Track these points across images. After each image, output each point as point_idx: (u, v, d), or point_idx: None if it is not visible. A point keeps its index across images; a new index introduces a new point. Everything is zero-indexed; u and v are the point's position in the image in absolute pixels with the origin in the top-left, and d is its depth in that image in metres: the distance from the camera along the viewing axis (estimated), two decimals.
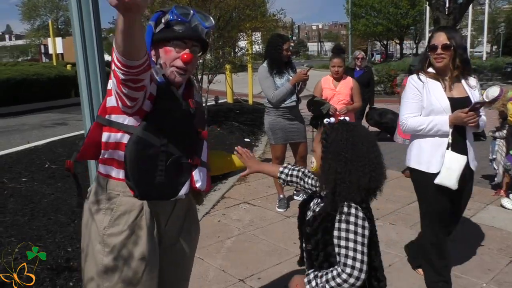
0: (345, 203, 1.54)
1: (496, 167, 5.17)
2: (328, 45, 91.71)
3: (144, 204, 1.76)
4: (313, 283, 1.59)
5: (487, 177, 5.67)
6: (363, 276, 1.51)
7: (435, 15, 13.73)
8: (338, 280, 1.50)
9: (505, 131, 5.02)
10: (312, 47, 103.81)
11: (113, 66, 1.53)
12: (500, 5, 48.44)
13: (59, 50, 25.20)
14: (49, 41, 25.98)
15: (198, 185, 1.86)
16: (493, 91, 3.43)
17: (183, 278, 2.10)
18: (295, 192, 5.14)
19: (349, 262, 1.50)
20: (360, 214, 1.54)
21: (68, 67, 18.05)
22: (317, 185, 1.76)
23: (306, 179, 1.91)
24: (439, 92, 2.76)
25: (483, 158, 5.14)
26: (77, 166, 1.82)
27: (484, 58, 31.83)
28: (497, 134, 5.16)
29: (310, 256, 1.67)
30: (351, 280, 1.49)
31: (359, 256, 1.50)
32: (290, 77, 4.60)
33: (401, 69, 19.14)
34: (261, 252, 3.75)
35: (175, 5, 1.73)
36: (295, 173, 1.95)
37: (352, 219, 1.52)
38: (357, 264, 1.49)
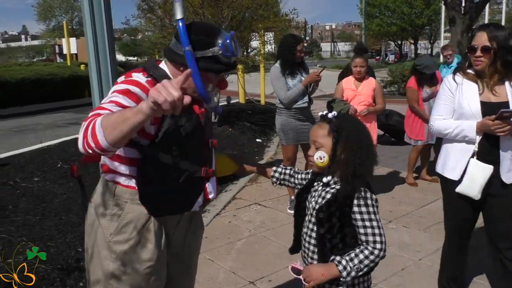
0: (361, 188, 1.70)
1: None
2: (341, 45, 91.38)
3: None
4: (348, 268, 1.66)
5: None
6: (386, 247, 1.72)
7: (450, 15, 13.57)
8: (372, 257, 1.67)
9: None
10: (326, 47, 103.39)
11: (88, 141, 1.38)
12: None
13: (73, 50, 25.39)
14: (64, 41, 26.25)
15: (211, 196, 1.88)
16: None
17: (190, 278, 2.10)
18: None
19: (378, 238, 1.68)
20: (374, 196, 1.73)
21: (82, 67, 18.20)
22: (308, 178, 1.98)
23: (296, 175, 2.07)
24: (472, 95, 2.57)
25: None
26: (83, 168, 1.81)
27: None
28: None
29: (321, 240, 1.73)
30: (381, 254, 1.69)
31: (382, 231, 1.71)
32: (303, 78, 4.55)
33: None
34: (271, 254, 3.72)
35: (228, 41, 1.65)
36: (287, 171, 2.09)
37: (369, 201, 1.70)
38: (383, 239, 1.70)
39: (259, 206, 4.95)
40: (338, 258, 1.68)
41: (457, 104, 2.62)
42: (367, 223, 1.69)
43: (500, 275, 2.72)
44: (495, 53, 2.46)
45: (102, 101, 1.57)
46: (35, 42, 71.06)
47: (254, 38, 9.57)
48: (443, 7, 19.86)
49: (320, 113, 1.83)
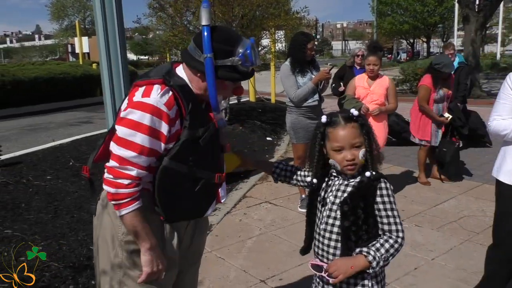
0: (382, 179, 1.75)
1: None
2: (352, 44, 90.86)
3: None
4: (377, 258, 1.68)
5: None
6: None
7: (464, 13, 13.44)
8: (396, 245, 1.72)
9: None
10: (337, 45, 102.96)
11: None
12: None
13: (85, 49, 25.64)
14: (76, 40, 26.48)
15: (223, 200, 1.90)
16: None
17: (194, 274, 2.13)
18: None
19: (399, 227, 1.74)
20: (392, 187, 1.78)
21: (94, 66, 18.32)
22: (309, 175, 1.96)
23: (298, 172, 2.07)
24: None
25: None
26: (95, 166, 1.82)
27: None
28: None
29: (346, 233, 1.74)
30: (403, 242, 1.74)
31: (401, 220, 1.77)
32: (313, 76, 4.52)
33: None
34: (282, 253, 3.71)
35: (248, 51, 1.64)
36: (289, 168, 2.10)
37: (390, 191, 1.75)
38: (403, 227, 1.77)
39: (270, 204, 4.94)
40: (365, 249, 1.69)
41: None
42: (390, 213, 1.74)
43: None
44: None
45: (124, 128, 1.58)
46: (49, 42, 71.85)
47: (265, 36, 9.55)
48: (457, 5, 19.64)
49: (342, 114, 1.78)
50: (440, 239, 3.93)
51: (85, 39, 26.10)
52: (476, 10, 13.24)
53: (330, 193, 1.80)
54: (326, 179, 1.86)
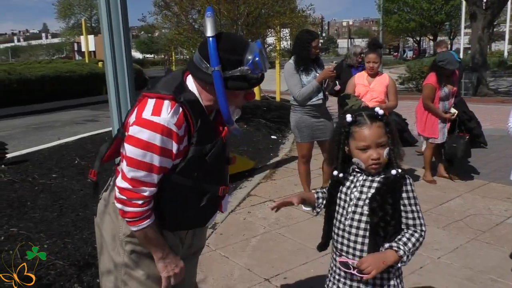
0: (406, 175, 1.79)
1: None
2: (358, 42, 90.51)
3: None
4: (407, 252, 1.72)
5: None
6: None
7: (471, 10, 13.35)
8: (421, 239, 1.78)
9: None
10: (342, 43, 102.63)
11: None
12: None
13: (91, 47, 25.72)
14: (82, 39, 26.57)
15: (224, 210, 1.91)
16: None
17: (193, 275, 2.12)
18: None
19: (423, 221, 1.80)
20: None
21: (100, 64, 18.39)
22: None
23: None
24: None
25: None
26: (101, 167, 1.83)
27: None
28: None
29: (375, 230, 1.76)
30: (425, 236, 1.80)
31: (423, 215, 1.83)
32: (317, 75, 4.47)
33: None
34: (286, 251, 3.70)
35: (257, 59, 1.57)
36: (323, 191, 2.08)
37: (413, 187, 1.80)
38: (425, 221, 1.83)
39: (274, 203, 4.91)
40: (394, 244, 1.73)
41: None
42: (414, 208, 1.78)
43: None
44: None
45: (135, 148, 1.53)
46: (55, 40, 72.21)
47: (270, 35, 9.54)
48: (464, 2, 19.49)
49: (367, 113, 1.78)
50: (446, 238, 3.91)
51: (91, 38, 26.17)
52: (484, 8, 13.15)
53: (354, 189, 1.82)
54: (347, 176, 1.88)
